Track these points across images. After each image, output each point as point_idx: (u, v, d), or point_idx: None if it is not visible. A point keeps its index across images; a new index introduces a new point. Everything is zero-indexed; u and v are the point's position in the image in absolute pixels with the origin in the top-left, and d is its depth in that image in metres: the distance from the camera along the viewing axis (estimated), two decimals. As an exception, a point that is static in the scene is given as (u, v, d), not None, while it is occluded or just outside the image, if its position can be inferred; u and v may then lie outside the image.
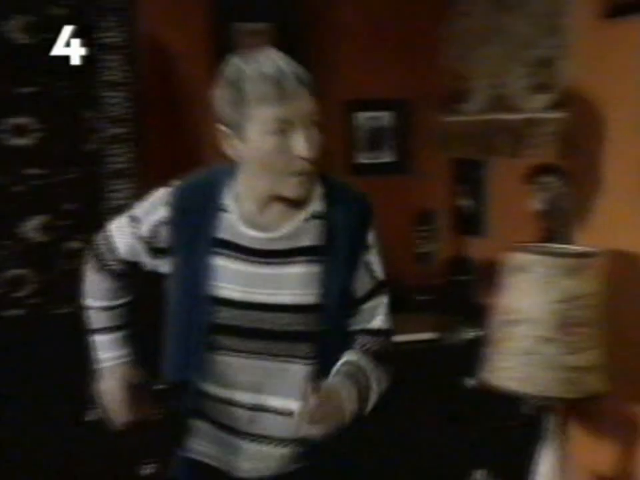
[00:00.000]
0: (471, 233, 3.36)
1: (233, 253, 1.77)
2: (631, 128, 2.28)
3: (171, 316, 1.85)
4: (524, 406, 2.46)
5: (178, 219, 1.82)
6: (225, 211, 1.80)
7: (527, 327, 2.06)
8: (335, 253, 1.77)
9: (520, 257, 2.11)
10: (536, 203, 2.85)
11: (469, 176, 3.35)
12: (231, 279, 1.77)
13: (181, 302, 1.83)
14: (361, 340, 1.82)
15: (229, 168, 1.83)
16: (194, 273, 1.79)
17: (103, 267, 1.93)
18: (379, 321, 1.83)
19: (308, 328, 1.75)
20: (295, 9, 3.45)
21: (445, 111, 3.45)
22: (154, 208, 1.86)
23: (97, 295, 1.96)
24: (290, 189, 1.71)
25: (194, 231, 1.80)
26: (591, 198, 2.52)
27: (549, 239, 2.71)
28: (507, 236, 2.86)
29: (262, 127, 1.66)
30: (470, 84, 3.27)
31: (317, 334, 1.75)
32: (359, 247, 1.80)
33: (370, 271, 1.81)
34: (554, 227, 2.73)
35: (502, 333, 2.14)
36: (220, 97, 1.72)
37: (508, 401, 2.25)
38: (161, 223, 1.84)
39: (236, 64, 1.71)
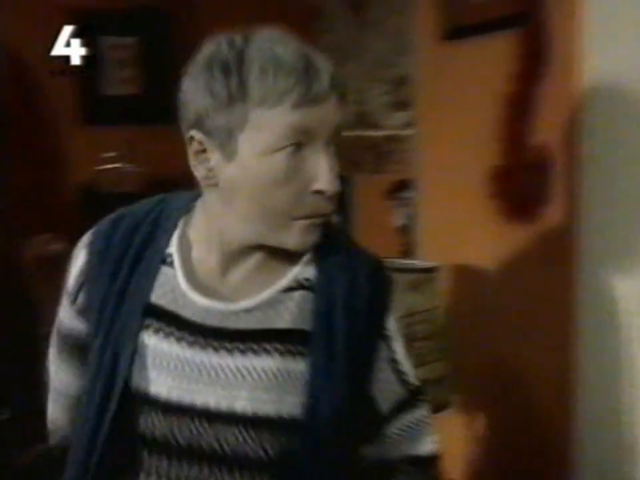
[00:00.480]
0: (338, 249, 3.39)
1: (169, 329, 1.17)
2: (474, 144, 2.34)
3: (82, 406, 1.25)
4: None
5: (95, 268, 1.23)
6: (167, 263, 1.21)
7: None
8: (330, 343, 1.16)
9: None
10: (397, 218, 2.90)
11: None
12: (162, 368, 1.16)
13: (89, 391, 1.20)
14: (404, 474, 1.26)
15: (189, 198, 1.26)
16: (110, 352, 1.18)
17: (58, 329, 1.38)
18: (427, 445, 1.27)
19: (273, 453, 1.13)
20: (162, 23, 3.43)
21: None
22: (76, 253, 1.28)
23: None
24: (294, 236, 1.14)
25: (117, 289, 1.20)
26: (440, 213, 2.58)
27: (408, 253, 2.76)
28: (372, 251, 2.89)
29: (265, 139, 1.09)
30: (335, 101, 3.32)
31: (286, 463, 1.14)
32: (372, 336, 1.21)
33: (398, 373, 1.23)
34: (412, 242, 2.78)
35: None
36: (200, 89, 1.11)
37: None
38: (81, 273, 1.25)
39: (232, 43, 1.11)
